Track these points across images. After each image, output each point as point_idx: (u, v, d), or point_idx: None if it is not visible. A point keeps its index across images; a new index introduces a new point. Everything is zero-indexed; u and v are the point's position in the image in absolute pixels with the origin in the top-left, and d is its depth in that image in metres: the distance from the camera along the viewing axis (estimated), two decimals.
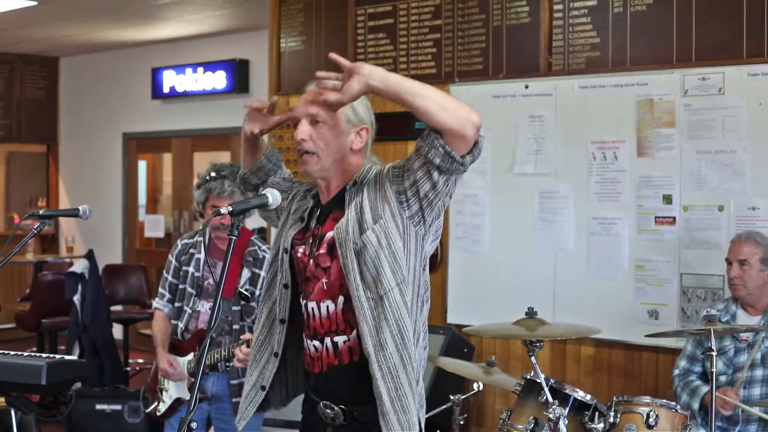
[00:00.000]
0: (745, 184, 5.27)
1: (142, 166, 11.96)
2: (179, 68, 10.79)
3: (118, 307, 9.14)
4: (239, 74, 10.26)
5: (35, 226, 4.00)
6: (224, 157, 11.50)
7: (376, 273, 2.81)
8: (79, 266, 7.71)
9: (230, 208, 2.78)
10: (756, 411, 4.45)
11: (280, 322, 3.07)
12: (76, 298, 7.58)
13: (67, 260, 10.12)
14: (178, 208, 11.24)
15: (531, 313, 4.40)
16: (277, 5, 7.31)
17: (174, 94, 10.88)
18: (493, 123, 5.94)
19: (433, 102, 2.67)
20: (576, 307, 5.73)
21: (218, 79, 10.44)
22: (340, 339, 2.93)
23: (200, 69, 10.58)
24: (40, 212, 4.01)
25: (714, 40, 5.39)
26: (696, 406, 4.69)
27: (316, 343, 2.96)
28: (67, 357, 4.31)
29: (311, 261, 2.96)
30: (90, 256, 7.78)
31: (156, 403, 4.86)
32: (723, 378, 4.68)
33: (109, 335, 7.69)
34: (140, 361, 9.62)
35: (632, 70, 5.65)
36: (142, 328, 8.87)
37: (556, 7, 5.96)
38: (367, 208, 2.85)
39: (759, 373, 4.67)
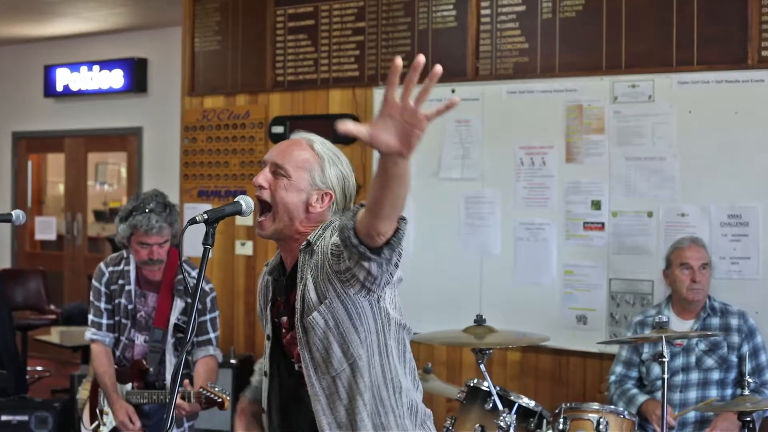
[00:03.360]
0: (675, 190, 5.33)
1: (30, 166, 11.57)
2: (74, 66, 10.46)
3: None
4: (137, 73, 10.02)
5: None
6: (119, 158, 11.22)
7: (326, 354, 2.71)
8: None
9: (205, 216, 2.70)
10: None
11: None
12: None
13: None
14: (71, 210, 10.90)
15: (479, 321, 4.38)
16: (191, 4, 7.10)
17: (68, 93, 10.56)
18: None
19: (403, 197, 2.36)
20: (503, 313, 5.66)
21: (115, 78, 10.17)
22: None
23: (96, 67, 10.29)
24: None
25: (644, 47, 5.44)
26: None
27: None
28: None
29: (290, 334, 2.85)
30: None
31: (97, 423, 4.77)
32: (660, 383, 4.70)
33: (12, 343, 7.37)
34: (38, 368, 9.29)
35: (561, 76, 5.67)
36: (38, 335, 8.57)
37: (483, 11, 5.93)
38: (310, 283, 2.71)
39: (695, 376, 4.73)
